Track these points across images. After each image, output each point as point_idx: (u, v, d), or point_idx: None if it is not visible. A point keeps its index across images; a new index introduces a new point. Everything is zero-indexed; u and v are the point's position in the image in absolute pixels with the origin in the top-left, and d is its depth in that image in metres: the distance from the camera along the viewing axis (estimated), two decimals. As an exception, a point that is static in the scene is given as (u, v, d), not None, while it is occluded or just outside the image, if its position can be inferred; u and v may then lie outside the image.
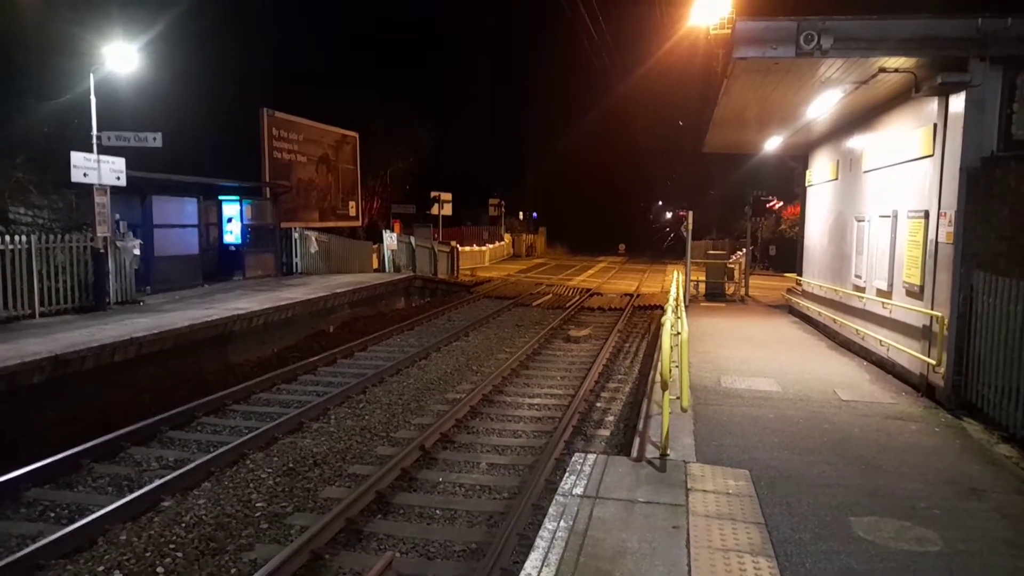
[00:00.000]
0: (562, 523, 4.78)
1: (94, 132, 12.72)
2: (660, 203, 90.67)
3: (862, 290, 11.10)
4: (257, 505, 6.31)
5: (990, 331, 7.29)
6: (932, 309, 8.28)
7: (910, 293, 9.10)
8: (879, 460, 6.19)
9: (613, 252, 56.57)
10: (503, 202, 49.00)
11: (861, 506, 5.19)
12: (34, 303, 11.42)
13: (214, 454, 7.20)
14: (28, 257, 11.25)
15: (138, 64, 13.31)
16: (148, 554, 5.39)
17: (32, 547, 5.25)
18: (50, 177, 13.53)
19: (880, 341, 9.93)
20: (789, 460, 6.16)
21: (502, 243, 46.04)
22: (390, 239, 24.21)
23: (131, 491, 6.38)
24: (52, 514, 6.12)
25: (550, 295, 23.34)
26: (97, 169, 12.34)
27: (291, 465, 7.26)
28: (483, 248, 40.10)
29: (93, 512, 5.84)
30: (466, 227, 42.98)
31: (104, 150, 12.76)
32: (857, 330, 11.01)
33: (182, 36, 21.40)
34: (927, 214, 8.57)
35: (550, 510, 5.01)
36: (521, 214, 55.78)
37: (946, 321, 7.91)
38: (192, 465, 6.89)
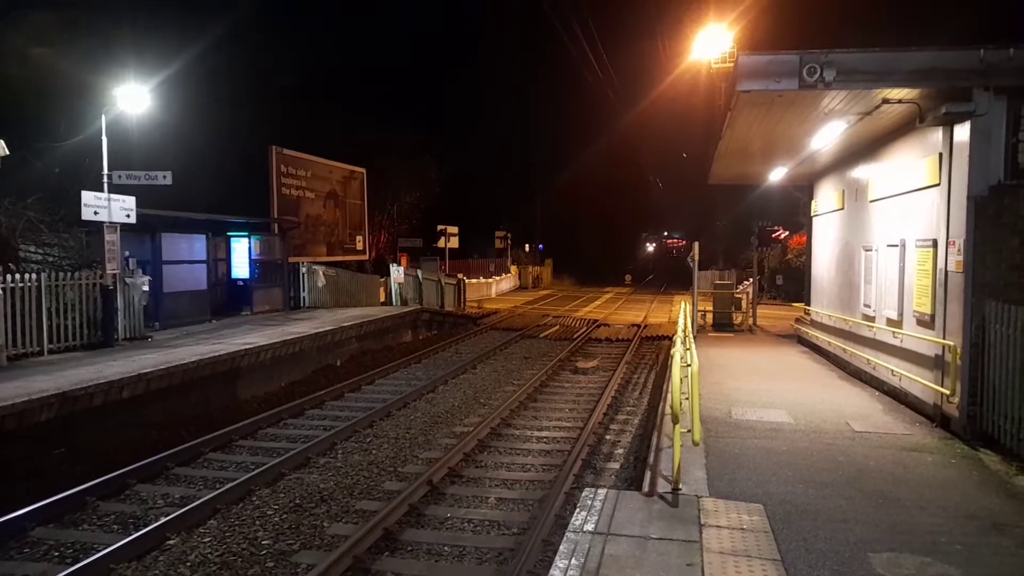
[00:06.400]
0: (573, 561, 4.68)
1: (105, 171, 12.89)
2: (665, 233, 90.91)
3: (872, 319, 11.02)
4: (263, 543, 6.22)
5: (1004, 361, 7.20)
6: (944, 338, 8.20)
7: (921, 322, 9.02)
8: (896, 493, 6.08)
9: (619, 283, 56.62)
10: (509, 234, 49.17)
11: (880, 542, 5.08)
12: (43, 340, 11.45)
13: (220, 491, 7.13)
14: (38, 295, 11.32)
15: (149, 104, 13.50)
16: (153, 595, 5.31)
17: (36, 588, 5.19)
18: (62, 216, 13.68)
19: (892, 371, 9.83)
20: (804, 494, 6.05)
21: (508, 275, 46.08)
22: (397, 273, 24.29)
23: (136, 529, 6.32)
24: (56, 553, 6.05)
25: (557, 326, 23.28)
26: (108, 207, 12.46)
27: (298, 501, 7.18)
28: (489, 280, 40.16)
29: (98, 551, 5.77)
30: (472, 260, 43.06)
31: (115, 188, 12.91)
32: (868, 360, 10.90)
33: (193, 75, 21.83)
34: (935, 243, 8.54)
35: (561, 547, 4.92)
36: (527, 246, 55.91)
37: (959, 351, 7.82)
38: (198, 502, 6.82)
